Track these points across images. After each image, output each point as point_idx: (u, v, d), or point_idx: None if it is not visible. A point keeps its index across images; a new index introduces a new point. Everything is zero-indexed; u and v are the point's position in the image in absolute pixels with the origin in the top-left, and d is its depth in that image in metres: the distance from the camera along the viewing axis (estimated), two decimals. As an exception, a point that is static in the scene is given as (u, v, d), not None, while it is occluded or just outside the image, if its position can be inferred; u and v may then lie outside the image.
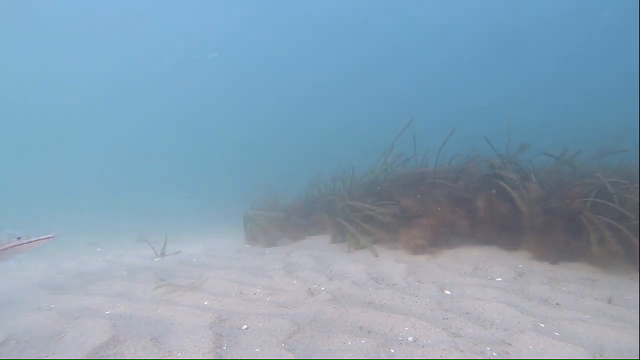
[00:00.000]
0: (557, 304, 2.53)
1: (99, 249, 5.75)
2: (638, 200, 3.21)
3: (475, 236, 4.07)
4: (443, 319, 2.29)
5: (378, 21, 26.50)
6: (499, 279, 3.07)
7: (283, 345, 1.99)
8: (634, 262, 3.11)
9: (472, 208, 3.97)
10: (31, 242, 2.23)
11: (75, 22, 24.46)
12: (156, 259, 4.63)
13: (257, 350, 1.94)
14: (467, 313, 2.40)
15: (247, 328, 2.25)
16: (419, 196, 4.28)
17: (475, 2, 23.98)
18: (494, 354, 1.83)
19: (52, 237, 2.29)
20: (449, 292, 2.79)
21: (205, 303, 2.77)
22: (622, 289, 2.77)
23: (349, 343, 2.00)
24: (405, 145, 5.10)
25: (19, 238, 2.20)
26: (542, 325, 2.17)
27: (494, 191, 3.95)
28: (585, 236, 3.28)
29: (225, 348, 1.99)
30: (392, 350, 1.90)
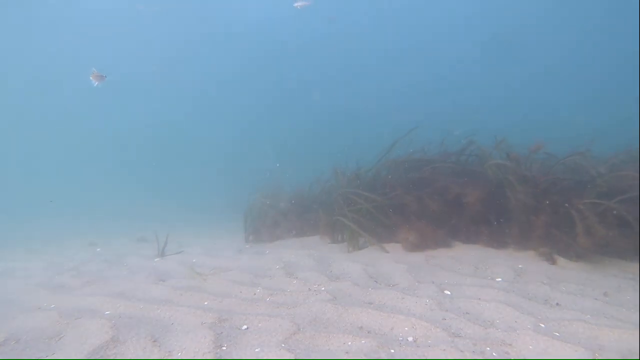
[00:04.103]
0: (557, 304, 2.53)
1: (98, 249, 5.75)
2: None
3: (465, 232, 4.07)
4: (443, 319, 2.29)
5: (382, 20, 26.47)
6: (499, 279, 3.07)
7: (283, 345, 1.99)
8: (633, 261, 3.11)
9: (463, 201, 3.95)
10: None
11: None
12: (156, 259, 4.63)
13: (257, 350, 1.94)
14: (467, 313, 2.40)
15: (247, 328, 2.26)
16: (411, 186, 4.29)
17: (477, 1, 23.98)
18: (494, 354, 1.83)
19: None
20: (448, 292, 2.79)
21: (206, 303, 2.77)
22: (623, 288, 2.77)
23: (349, 343, 2.00)
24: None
25: None
26: (542, 325, 2.17)
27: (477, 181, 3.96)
28: (565, 225, 3.28)
29: (225, 348, 1.99)
30: (392, 351, 1.90)
